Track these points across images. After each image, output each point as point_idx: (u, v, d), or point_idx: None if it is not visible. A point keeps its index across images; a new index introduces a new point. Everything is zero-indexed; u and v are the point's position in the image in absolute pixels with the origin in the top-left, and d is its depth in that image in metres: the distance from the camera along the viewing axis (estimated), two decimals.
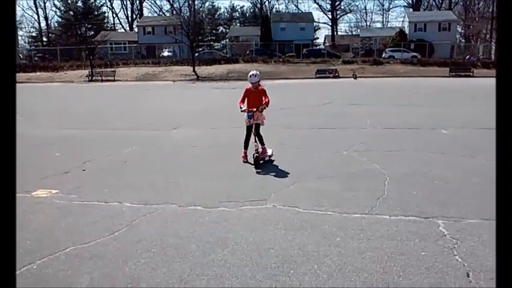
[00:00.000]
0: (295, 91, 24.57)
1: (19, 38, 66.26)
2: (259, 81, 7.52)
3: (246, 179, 6.50)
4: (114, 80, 36.76)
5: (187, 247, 4.04)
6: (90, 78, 37.84)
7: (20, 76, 40.52)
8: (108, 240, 4.27)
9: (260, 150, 7.34)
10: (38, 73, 42.05)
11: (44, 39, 73.97)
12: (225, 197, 5.56)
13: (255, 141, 7.28)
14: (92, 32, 62.58)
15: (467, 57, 46.02)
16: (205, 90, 26.89)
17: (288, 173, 6.70)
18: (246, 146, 7.51)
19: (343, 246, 4.02)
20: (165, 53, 55.75)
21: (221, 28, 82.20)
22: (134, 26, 71.66)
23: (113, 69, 39.74)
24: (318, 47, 61.33)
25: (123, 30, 74.88)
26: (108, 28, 71.78)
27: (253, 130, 7.34)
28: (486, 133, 9.54)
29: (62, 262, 3.79)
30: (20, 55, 61.55)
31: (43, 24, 77.78)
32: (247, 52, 52.40)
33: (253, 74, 7.37)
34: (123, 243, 4.18)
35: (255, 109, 7.28)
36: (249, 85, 7.39)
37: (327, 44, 65.79)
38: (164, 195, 5.69)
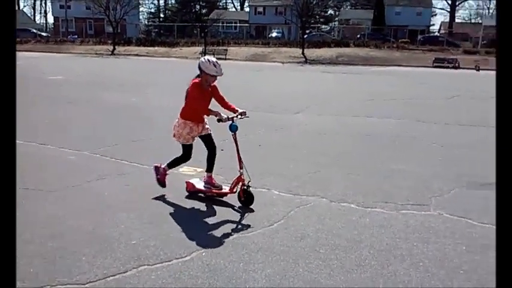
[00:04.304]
0: (411, 80, 22.95)
1: (139, 13, 70.89)
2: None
3: (400, 177, 5.95)
4: (226, 59, 37.56)
5: (359, 253, 3.69)
6: (203, 55, 39.09)
7: (140, 50, 43.61)
8: (269, 231, 4.07)
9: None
10: (156, 48, 44.52)
11: (161, 15, 78.43)
12: (379, 197, 5.11)
13: (240, 166, 4.76)
14: (205, 10, 64.90)
15: None
16: (316, 73, 26.27)
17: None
18: (174, 166, 5.28)
19: None
20: (274, 34, 56.01)
21: (329, 11, 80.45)
22: (245, 6, 72.87)
23: (224, 48, 40.64)
24: (434, 34, 57.37)
25: (234, 9, 76.61)
26: (221, 7, 73.85)
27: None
28: None
29: (230, 252, 3.65)
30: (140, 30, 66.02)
31: (162, 1, 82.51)
32: (358, 36, 50.79)
33: (217, 62, 4.67)
34: (286, 238, 3.95)
35: (237, 116, 5.08)
36: (197, 79, 4.76)
37: (443, 32, 61.12)
38: (310, 187, 5.40)
